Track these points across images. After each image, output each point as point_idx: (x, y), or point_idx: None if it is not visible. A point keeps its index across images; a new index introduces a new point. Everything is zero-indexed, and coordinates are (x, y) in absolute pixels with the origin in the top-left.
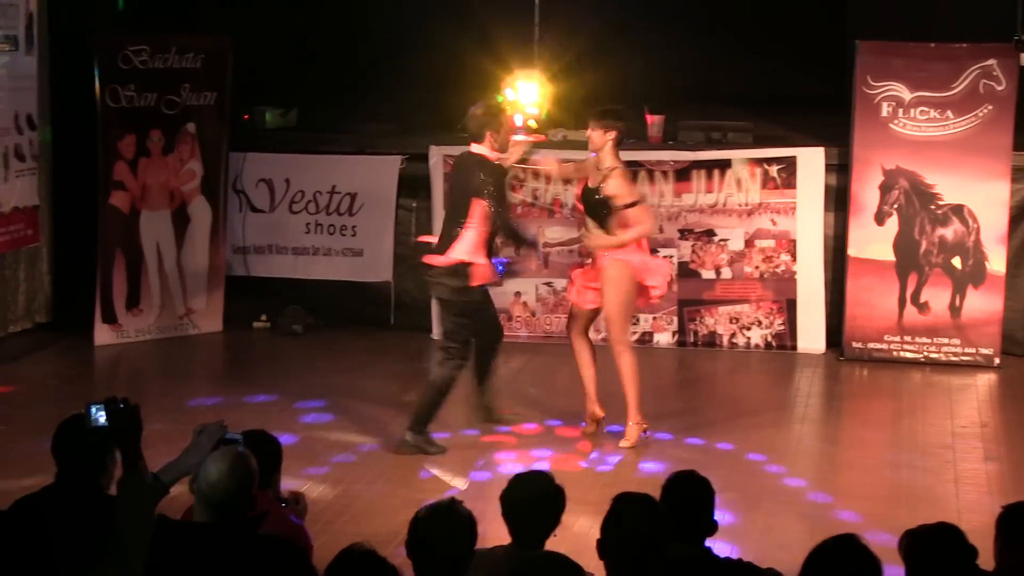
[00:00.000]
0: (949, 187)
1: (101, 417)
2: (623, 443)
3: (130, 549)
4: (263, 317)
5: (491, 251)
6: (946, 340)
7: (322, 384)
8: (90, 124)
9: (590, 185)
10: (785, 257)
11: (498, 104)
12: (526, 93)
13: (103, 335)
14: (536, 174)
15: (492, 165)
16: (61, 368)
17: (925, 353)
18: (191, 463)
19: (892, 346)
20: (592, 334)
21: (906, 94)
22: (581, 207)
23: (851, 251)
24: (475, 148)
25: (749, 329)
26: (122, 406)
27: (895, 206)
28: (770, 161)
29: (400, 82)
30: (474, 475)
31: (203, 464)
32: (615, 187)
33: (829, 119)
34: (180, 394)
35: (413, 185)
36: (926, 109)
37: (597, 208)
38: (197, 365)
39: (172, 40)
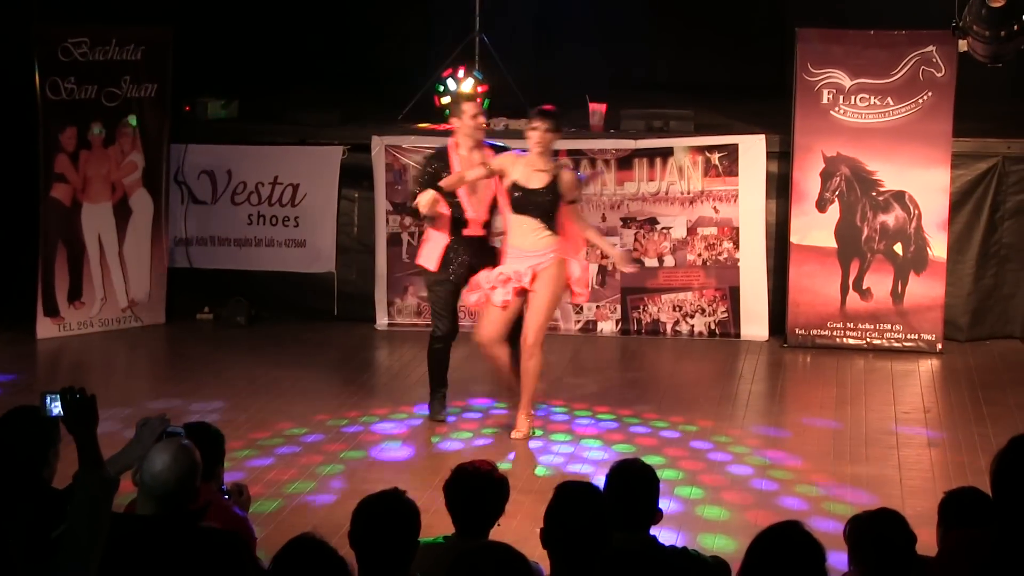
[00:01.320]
0: (890, 174)
1: (56, 407)
2: (515, 434)
3: (88, 544)
4: (206, 309)
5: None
6: (888, 326)
7: (266, 376)
8: (30, 117)
9: (531, 185)
10: (728, 245)
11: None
12: (466, 83)
13: (45, 328)
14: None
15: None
16: (2, 362)
17: (868, 339)
18: (134, 456)
19: (835, 333)
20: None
21: (846, 81)
22: (511, 207)
23: (793, 238)
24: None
25: (692, 317)
26: (78, 396)
27: (836, 193)
28: (712, 149)
29: (342, 72)
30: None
31: (146, 456)
32: (569, 184)
33: (770, 107)
34: (123, 387)
35: (356, 175)
36: (866, 96)
37: (547, 207)
38: (140, 358)
39: (112, 32)
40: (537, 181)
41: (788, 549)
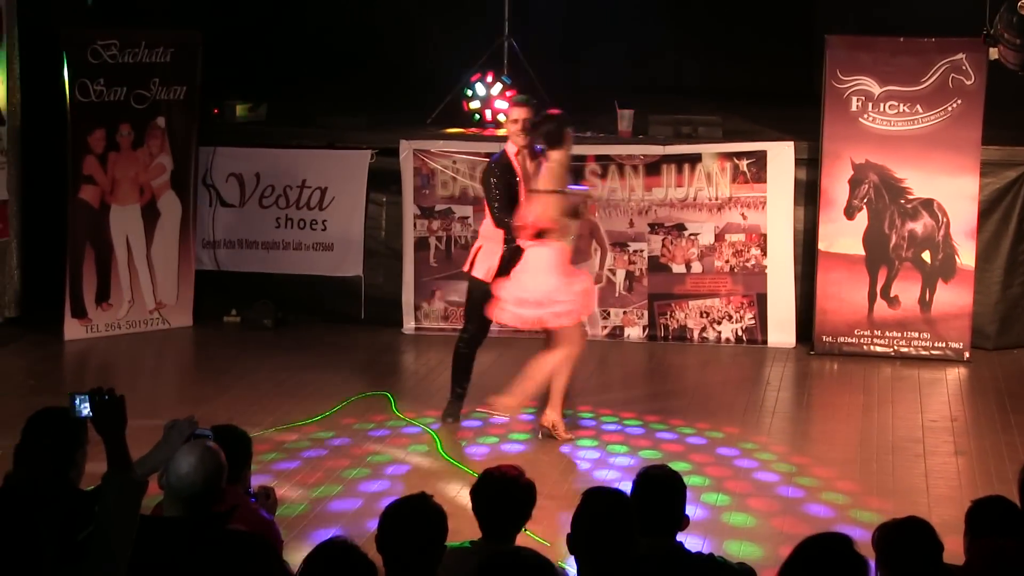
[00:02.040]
0: (918, 181)
1: (85, 408)
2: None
3: (117, 546)
4: (233, 312)
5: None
6: (916, 334)
7: (292, 379)
8: (59, 118)
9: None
10: (755, 251)
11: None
12: (495, 88)
13: (72, 330)
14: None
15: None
16: (30, 363)
17: (895, 347)
18: (162, 458)
19: (862, 340)
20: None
21: (875, 88)
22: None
23: (821, 245)
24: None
25: (719, 323)
26: (107, 397)
27: (865, 200)
28: (740, 155)
29: (370, 76)
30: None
31: (173, 458)
32: None
33: (799, 113)
34: (150, 389)
35: (383, 179)
36: (895, 103)
37: None
38: (167, 360)
39: (141, 34)
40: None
41: (834, 562)
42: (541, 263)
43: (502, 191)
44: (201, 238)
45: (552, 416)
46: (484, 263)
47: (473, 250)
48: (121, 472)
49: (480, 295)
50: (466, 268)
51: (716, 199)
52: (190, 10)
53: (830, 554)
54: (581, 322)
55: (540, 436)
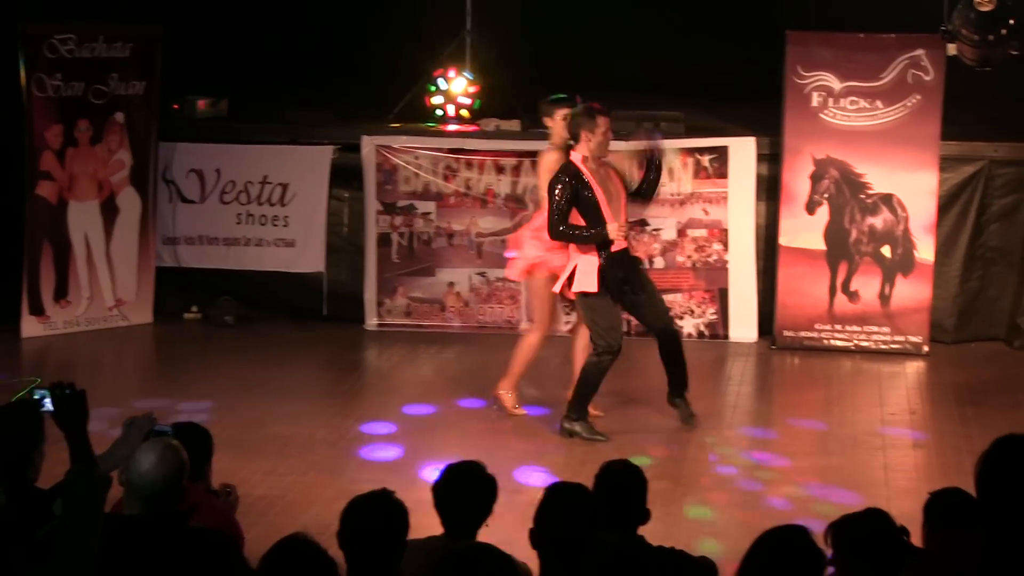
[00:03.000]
0: (878, 176)
1: (47, 403)
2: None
3: (83, 543)
4: (194, 308)
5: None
6: (876, 328)
7: (254, 376)
8: (16, 114)
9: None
10: (717, 246)
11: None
12: (458, 83)
13: (30, 327)
14: (469, 164)
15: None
16: None
17: (855, 341)
18: (121, 455)
19: (823, 334)
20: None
21: (836, 84)
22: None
23: (782, 240)
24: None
25: (681, 318)
26: (68, 392)
27: (825, 195)
28: (702, 151)
29: (333, 72)
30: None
31: (133, 456)
32: None
33: (760, 109)
34: (110, 386)
35: (345, 175)
36: (856, 99)
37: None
38: (127, 357)
39: (100, 28)
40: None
41: (790, 555)
42: None
43: (567, 203)
44: (161, 234)
45: (502, 386)
46: (585, 278)
47: (568, 271)
48: (85, 468)
49: (603, 305)
50: (568, 291)
51: (678, 194)
52: (150, 4)
53: (788, 546)
54: (555, 302)
55: (492, 407)
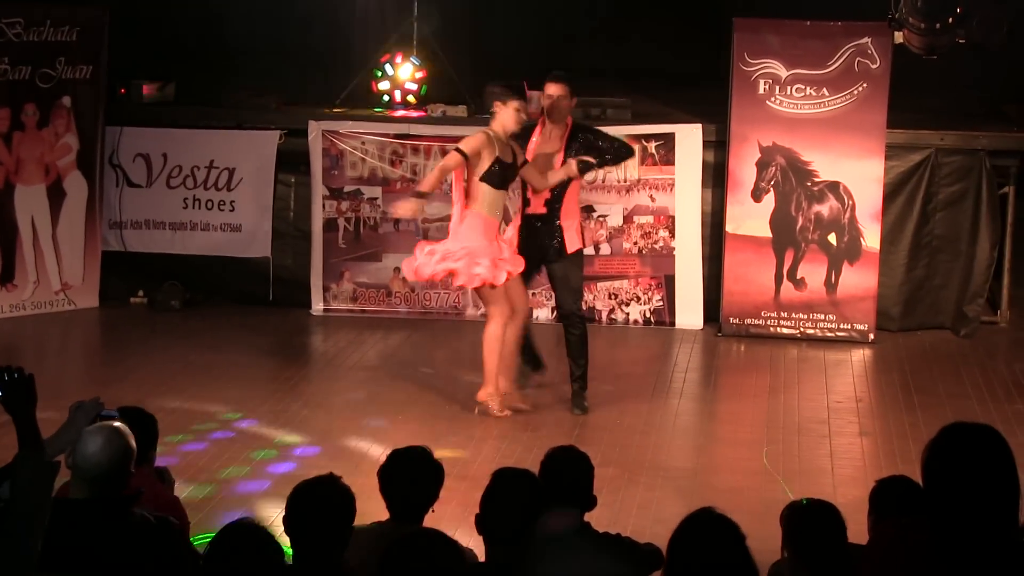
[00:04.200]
0: (825, 164)
1: None
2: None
3: (31, 527)
4: (140, 293)
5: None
6: (822, 316)
7: (200, 360)
8: None
9: (510, 160)
10: (663, 233)
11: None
12: (404, 69)
13: None
14: (415, 149)
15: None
16: None
17: (801, 329)
18: (68, 439)
19: (769, 322)
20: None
21: (782, 71)
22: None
23: (729, 227)
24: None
25: (628, 305)
26: (16, 376)
27: (772, 183)
28: (648, 138)
29: (279, 56)
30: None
31: (80, 440)
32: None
33: (707, 96)
34: (56, 370)
35: (292, 160)
36: (802, 87)
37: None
38: (73, 341)
39: (47, 12)
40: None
41: (706, 533)
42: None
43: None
44: (108, 219)
45: (484, 392)
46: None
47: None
48: (33, 453)
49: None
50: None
51: (625, 181)
52: None
53: (701, 527)
54: (504, 295)
55: (477, 413)
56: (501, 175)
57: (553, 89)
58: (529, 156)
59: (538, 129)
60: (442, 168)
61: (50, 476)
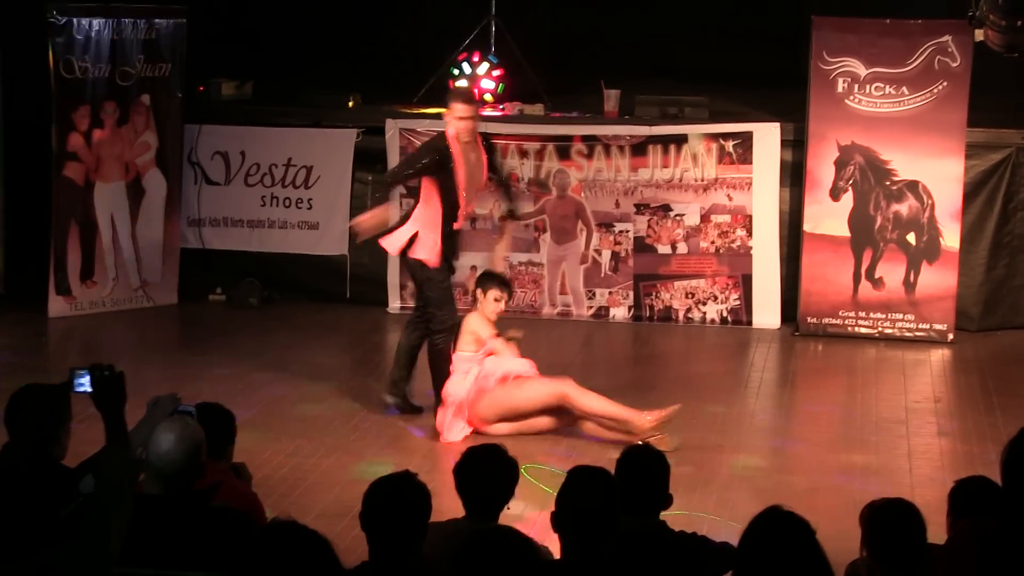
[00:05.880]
0: (904, 163)
1: (85, 383)
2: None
3: (113, 524)
4: (218, 290)
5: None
6: (900, 316)
7: (277, 358)
8: (44, 95)
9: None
10: (741, 232)
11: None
12: (481, 67)
13: (57, 307)
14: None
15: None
16: (13, 340)
17: (879, 328)
18: (144, 436)
19: (847, 321)
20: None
21: (861, 70)
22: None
23: (806, 227)
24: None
25: (705, 304)
26: (107, 373)
27: (850, 182)
28: (726, 136)
29: (357, 55)
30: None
31: (152, 436)
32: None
33: (785, 95)
34: (134, 367)
35: (369, 158)
36: (881, 85)
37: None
38: (152, 338)
39: (127, 11)
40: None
41: (776, 531)
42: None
43: (420, 167)
44: (186, 216)
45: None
46: (426, 247)
47: (406, 233)
48: (120, 450)
49: (444, 280)
50: (397, 252)
51: (702, 180)
52: None
53: (772, 525)
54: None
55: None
56: None
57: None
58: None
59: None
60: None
61: (135, 473)
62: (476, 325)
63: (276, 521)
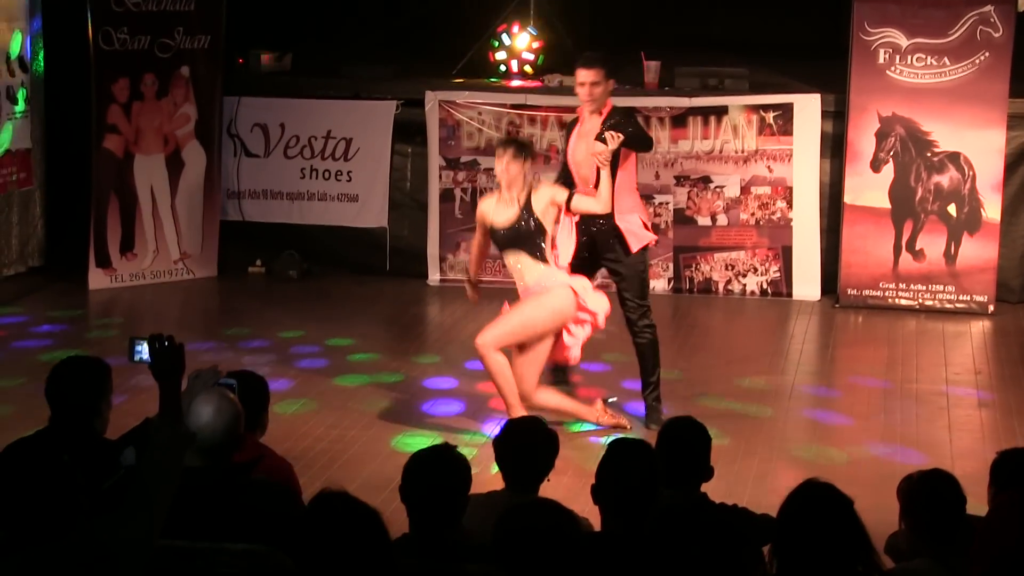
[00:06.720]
0: (945, 134)
1: (144, 353)
2: None
3: (159, 496)
4: (258, 262)
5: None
6: (941, 287)
7: (317, 330)
8: (83, 67)
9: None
10: (781, 204)
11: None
12: (521, 39)
13: (97, 279)
14: (532, 120)
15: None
16: (54, 311)
17: (920, 300)
18: (185, 408)
19: (887, 293)
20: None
21: (903, 41)
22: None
23: (847, 198)
24: None
25: (745, 276)
26: (167, 344)
27: (891, 153)
28: (767, 108)
29: (396, 26)
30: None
31: (190, 410)
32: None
33: (826, 66)
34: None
35: (409, 130)
36: (923, 56)
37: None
38: (192, 310)
39: None
40: (504, 215)
41: (814, 503)
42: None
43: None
44: (226, 188)
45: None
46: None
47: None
48: (172, 422)
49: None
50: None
51: (742, 152)
52: None
53: (811, 498)
54: None
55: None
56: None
57: (583, 75)
58: (570, 149)
59: (579, 120)
60: None
61: (185, 446)
62: (547, 193)
63: (327, 491)
